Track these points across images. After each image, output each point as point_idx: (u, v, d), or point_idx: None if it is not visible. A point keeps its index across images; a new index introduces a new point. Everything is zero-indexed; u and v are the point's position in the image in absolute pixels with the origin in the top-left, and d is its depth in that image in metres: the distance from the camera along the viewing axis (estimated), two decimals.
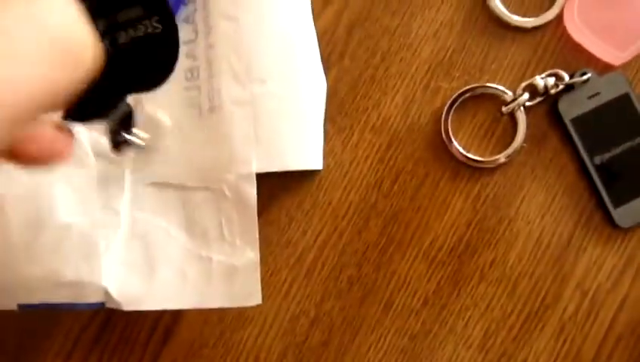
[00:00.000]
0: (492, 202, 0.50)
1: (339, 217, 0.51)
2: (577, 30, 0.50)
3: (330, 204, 0.52)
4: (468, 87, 0.50)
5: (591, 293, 0.50)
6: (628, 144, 0.49)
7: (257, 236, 0.48)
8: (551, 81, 0.50)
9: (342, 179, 0.52)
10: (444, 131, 0.50)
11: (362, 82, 0.52)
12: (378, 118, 0.52)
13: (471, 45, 0.52)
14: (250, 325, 0.51)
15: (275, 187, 0.52)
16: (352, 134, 0.52)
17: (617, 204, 0.49)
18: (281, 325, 0.51)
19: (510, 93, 0.50)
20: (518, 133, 0.50)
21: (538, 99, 0.50)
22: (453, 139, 0.50)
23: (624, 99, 0.50)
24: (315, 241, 0.51)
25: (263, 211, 0.51)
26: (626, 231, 0.50)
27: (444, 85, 0.51)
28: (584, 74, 0.50)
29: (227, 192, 0.48)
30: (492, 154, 0.50)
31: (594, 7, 0.49)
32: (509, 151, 0.50)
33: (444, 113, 0.50)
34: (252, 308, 0.50)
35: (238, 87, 0.48)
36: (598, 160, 0.49)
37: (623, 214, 0.49)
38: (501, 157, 0.50)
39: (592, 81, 0.50)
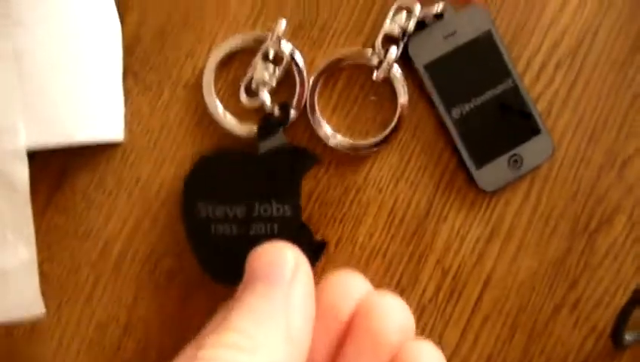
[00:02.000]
0: (335, 169, 0.42)
1: (151, 197, 0.41)
2: None
3: (138, 181, 0.41)
4: (325, 64, 0.41)
5: (453, 270, 0.42)
6: (490, 93, 0.41)
7: (32, 229, 0.37)
8: (403, 18, 0.41)
9: (151, 149, 0.41)
10: (316, 123, 0.41)
11: (172, 25, 0.41)
12: (193, 72, 0.41)
13: None
14: (46, 338, 0.41)
15: (65, 163, 0.41)
16: (162, 93, 0.41)
17: (480, 164, 0.41)
18: (86, 336, 0.41)
19: (378, 54, 0.41)
20: (399, 97, 0.41)
21: (403, 45, 0.41)
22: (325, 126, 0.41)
23: (486, 39, 0.41)
24: (122, 229, 0.41)
25: (53, 195, 0.41)
26: (492, 193, 0.43)
27: (278, 20, 0.41)
28: (438, 7, 0.41)
29: None
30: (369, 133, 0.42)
31: None
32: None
33: (306, 98, 0.41)
34: (48, 315, 0.40)
35: None
36: (456, 113, 0.41)
37: (486, 176, 0.41)
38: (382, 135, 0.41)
39: (447, 16, 0.41)
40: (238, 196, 0.40)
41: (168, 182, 0.41)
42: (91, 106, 0.39)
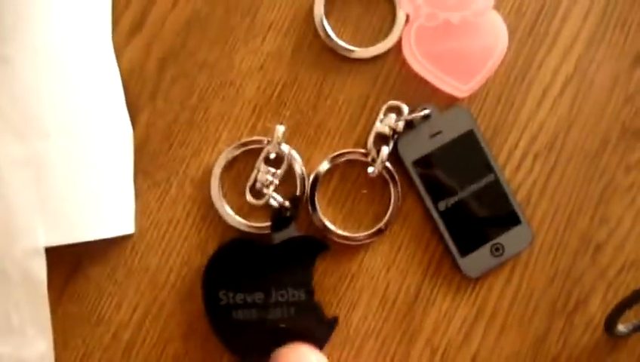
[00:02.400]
0: (332, 257, 0.45)
1: (158, 286, 0.44)
2: (416, 61, 0.45)
3: (147, 271, 0.44)
4: (322, 164, 0.44)
5: (441, 349, 0.45)
6: (474, 187, 0.45)
7: (50, 323, 0.40)
8: (392, 118, 0.44)
9: (160, 241, 0.44)
10: (315, 217, 0.45)
11: (178, 127, 0.45)
12: (199, 169, 0.45)
13: (302, 79, 0.45)
14: None
15: (79, 256, 0.44)
16: (170, 188, 0.45)
17: (464, 252, 0.45)
18: None
19: (370, 152, 0.44)
20: (392, 194, 0.45)
21: (392, 143, 0.45)
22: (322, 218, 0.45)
23: (468, 137, 0.45)
24: (132, 316, 0.44)
25: (67, 285, 0.44)
26: (476, 279, 0.46)
27: (274, 127, 0.44)
28: (424, 109, 0.45)
29: (11, 271, 0.40)
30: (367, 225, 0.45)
31: (433, 36, 0.44)
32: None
33: (307, 194, 0.44)
34: None
35: (15, 144, 0.40)
36: (442, 205, 0.45)
37: (470, 263, 0.45)
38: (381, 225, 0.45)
39: (433, 117, 0.45)
40: (256, 283, 0.43)
41: (175, 273, 0.44)
42: (104, 205, 0.42)
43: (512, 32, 0.46)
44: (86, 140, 0.41)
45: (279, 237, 0.43)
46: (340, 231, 0.44)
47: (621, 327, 0.44)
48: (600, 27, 0.47)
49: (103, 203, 0.42)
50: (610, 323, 0.44)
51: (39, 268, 0.40)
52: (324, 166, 0.44)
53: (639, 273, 0.46)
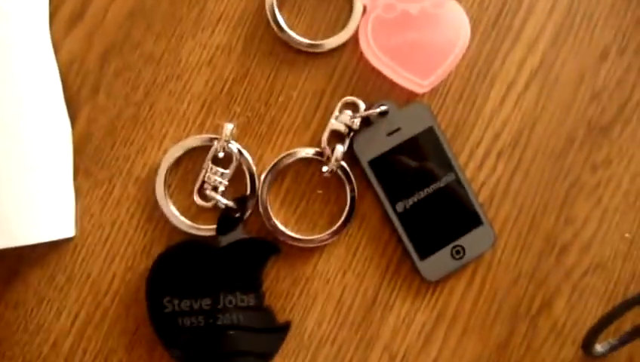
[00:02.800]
0: (285, 261, 0.43)
1: (101, 292, 0.42)
2: (373, 54, 0.42)
3: (89, 276, 0.42)
4: (274, 163, 0.42)
5: (400, 356, 0.44)
6: (433, 187, 0.43)
7: None
8: (348, 115, 0.42)
9: (102, 245, 0.42)
10: (266, 218, 0.42)
11: (122, 123, 0.42)
12: (144, 168, 0.42)
13: (254, 73, 0.43)
14: None
15: (17, 261, 0.41)
16: (113, 189, 0.42)
17: (424, 255, 0.43)
18: None
19: (324, 151, 0.42)
20: (348, 195, 0.43)
21: (348, 141, 0.42)
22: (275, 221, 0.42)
23: (428, 135, 0.43)
24: (72, 324, 0.42)
25: (4, 292, 0.41)
26: (436, 281, 0.44)
27: (224, 124, 0.42)
28: (381, 105, 0.42)
29: None
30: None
31: (391, 28, 0.42)
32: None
33: (258, 194, 0.42)
34: None
35: None
36: (401, 206, 0.43)
37: (430, 266, 0.43)
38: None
39: (391, 114, 0.43)
40: (203, 289, 0.41)
41: (119, 278, 0.42)
42: (42, 208, 0.39)
43: (474, 25, 0.44)
44: (21, 139, 0.39)
45: (226, 239, 0.41)
46: (292, 234, 0.42)
47: (598, 347, 0.43)
48: (566, 21, 0.45)
49: (40, 205, 0.39)
50: (588, 343, 0.42)
51: None
52: (276, 165, 0.42)
53: (605, 275, 0.45)
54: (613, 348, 0.43)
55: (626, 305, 0.40)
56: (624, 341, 0.43)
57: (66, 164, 0.41)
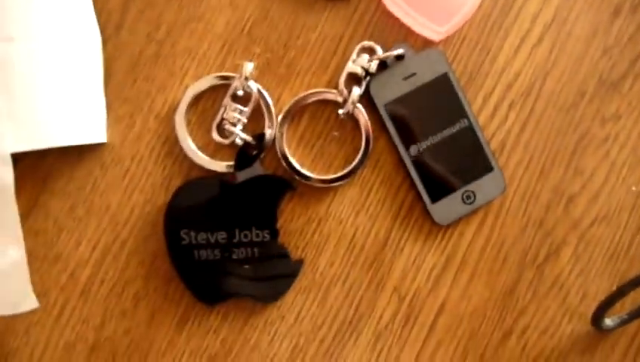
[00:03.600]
0: (299, 200, 0.44)
1: (119, 224, 0.43)
2: (392, 1, 0.43)
3: (108, 208, 0.43)
4: (292, 103, 0.43)
5: (409, 297, 0.45)
6: (446, 132, 0.44)
7: (20, 229, 0.39)
8: (365, 59, 0.43)
9: (122, 178, 0.43)
10: (283, 157, 0.43)
11: (144, 61, 0.43)
12: (164, 105, 0.43)
13: (274, 16, 0.44)
14: (15, 358, 0.42)
15: (38, 190, 0.42)
16: (133, 124, 0.43)
17: (435, 198, 0.44)
18: (53, 356, 0.42)
19: (341, 93, 0.43)
20: (363, 137, 0.43)
21: (365, 85, 0.43)
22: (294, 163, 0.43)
23: (443, 81, 0.44)
24: (91, 254, 0.43)
25: (26, 220, 0.42)
26: (447, 225, 0.45)
27: (244, 63, 0.43)
28: (398, 49, 0.43)
29: None
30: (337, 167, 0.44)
31: None
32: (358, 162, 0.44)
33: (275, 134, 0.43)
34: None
35: None
36: (414, 150, 0.44)
37: (440, 210, 0.44)
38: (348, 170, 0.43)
39: (407, 59, 0.44)
40: (219, 223, 0.42)
41: (138, 210, 0.43)
42: (74, 111, 0.40)
43: None
44: (53, 45, 0.39)
45: (243, 175, 0.42)
46: (308, 173, 0.43)
47: (608, 321, 0.44)
48: None
49: (72, 109, 0.40)
50: (598, 317, 0.43)
51: (6, 174, 0.38)
52: (294, 106, 0.43)
53: (612, 226, 0.46)
54: (623, 322, 0.44)
55: (637, 281, 0.41)
56: (634, 315, 0.43)
57: (97, 72, 0.42)
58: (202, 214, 0.42)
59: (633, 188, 0.46)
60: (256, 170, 0.42)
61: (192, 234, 0.41)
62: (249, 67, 0.42)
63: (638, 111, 0.46)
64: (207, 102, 0.43)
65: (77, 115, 0.41)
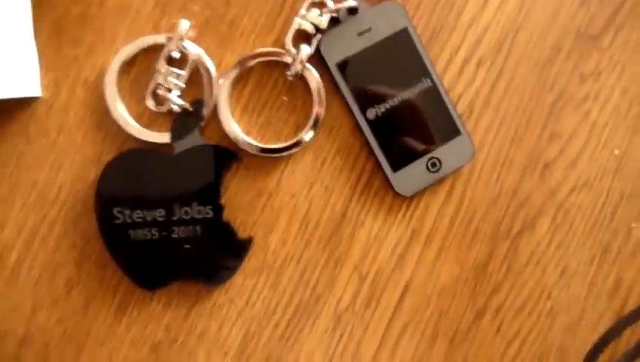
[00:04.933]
0: (247, 172, 0.40)
1: (47, 203, 0.39)
2: None
3: (34, 186, 0.39)
4: (234, 65, 0.39)
5: (371, 276, 0.41)
6: (407, 93, 0.40)
7: None
8: (316, 14, 0.39)
9: (48, 152, 0.39)
10: (226, 125, 0.39)
11: (69, 23, 0.39)
12: (93, 71, 0.39)
13: None
14: None
15: None
16: (59, 93, 0.39)
17: (397, 167, 0.40)
18: None
19: (289, 52, 0.39)
20: (315, 101, 0.39)
21: (316, 42, 0.39)
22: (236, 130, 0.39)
23: (402, 36, 0.40)
24: (17, 236, 0.39)
25: None
26: (411, 196, 0.41)
27: (179, 21, 0.39)
28: (351, 2, 0.39)
29: None
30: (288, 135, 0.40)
31: None
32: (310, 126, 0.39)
33: (215, 99, 0.39)
34: None
35: None
36: (372, 114, 0.40)
37: (403, 180, 0.40)
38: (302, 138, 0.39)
39: (362, 12, 0.39)
40: (156, 199, 0.38)
41: (67, 188, 0.39)
42: (5, 64, 0.36)
43: None
44: None
45: (181, 146, 0.38)
46: (255, 142, 0.39)
47: None
48: None
49: (3, 61, 0.36)
50: None
51: None
52: (238, 68, 0.39)
53: (593, 193, 0.42)
54: None
55: (627, 321, 0.37)
56: (630, 357, 0.40)
57: (27, 21, 0.38)
58: (137, 190, 0.38)
59: (616, 152, 0.42)
60: (196, 139, 0.38)
61: (127, 212, 0.38)
62: (185, 25, 0.38)
63: (620, 66, 0.42)
64: (141, 66, 0.39)
65: (9, 67, 0.37)
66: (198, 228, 0.38)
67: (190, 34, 0.39)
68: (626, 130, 0.42)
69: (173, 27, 0.39)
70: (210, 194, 0.38)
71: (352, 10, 0.39)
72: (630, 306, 0.42)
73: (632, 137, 0.42)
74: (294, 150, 0.39)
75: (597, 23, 0.42)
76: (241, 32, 0.40)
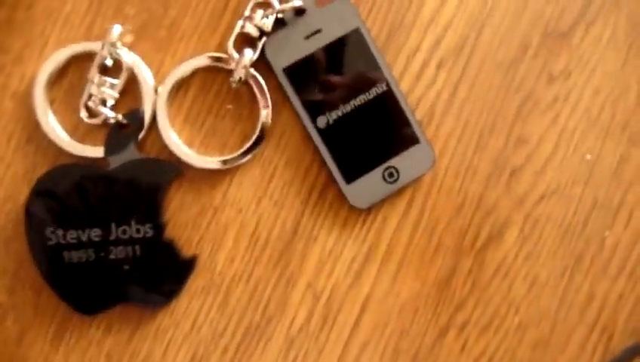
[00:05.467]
0: (189, 187, 0.37)
1: None
2: None
3: None
4: (174, 73, 0.36)
5: (326, 294, 0.38)
6: (361, 99, 0.37)
7: None
8: (260, 15, 0.36)
9: None
10: (166, 136, 0.36)
11: None
12: (22, 80, 0.36)
13: None
14: None
15: None
16: None
17: (351, 178, 0.37)
18: None
19: (232, 57, 0.36)
20: (261, 109, 0.37)
21: (260, 46, 0.36)
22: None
23: (354, 38, 0.37)
24: None
25: None
26: (367, 209, 0.38)
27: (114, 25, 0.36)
28: (296, 2, 0.36)
29: None
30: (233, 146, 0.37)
31: None
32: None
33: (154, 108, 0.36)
34: None
35: None
36: (322, 122, 0.37)
37: (358, 191, 0.37)
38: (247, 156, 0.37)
39: (309, 12, 0.37)
40: (92, 218, 0.35)
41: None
42: None
43: None
44: None
45: (117, 160, 0.35)
46: (197, 155, 0.37)
47: None
48: None
49: None
50: None
51: None
52: (177, 74, 0.36)
53: (563, 201, 0.39)
54: None
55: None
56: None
57: None
58: (71, 208, 0.35)
59: (588, 157, 0.40)
60: (133, 153, 0.35)
61: (60, 232, 0.35)
62: (116, 31, 0.35)
63: (590, 66, 0.40)
64: (75, 75, 0.36)
65: None
66: (137, 247, 0.36)
67: (127, 39, 0.36)
68: (598, 134, 0.40)
69: (107, 32, 0.36)
70: (150, 212, 0.36)
71: (299, 12, 0.36)
72: (604, 320, 0.40)
73: (605, 141, 0.40)
74: (241, 162, 0.37)
75: (567, 19, 0.39)
76: (180, 35, 0.37)
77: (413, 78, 0.38)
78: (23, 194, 0.36)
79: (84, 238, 0.35)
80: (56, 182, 0.35)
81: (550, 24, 0.39)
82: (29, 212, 0.35)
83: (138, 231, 0.35)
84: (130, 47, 0.36)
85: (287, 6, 0.36)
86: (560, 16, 0.39)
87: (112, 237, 0.35)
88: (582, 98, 0.40)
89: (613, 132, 0.40)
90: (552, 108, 0.39)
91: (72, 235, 0.35)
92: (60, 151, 0.36)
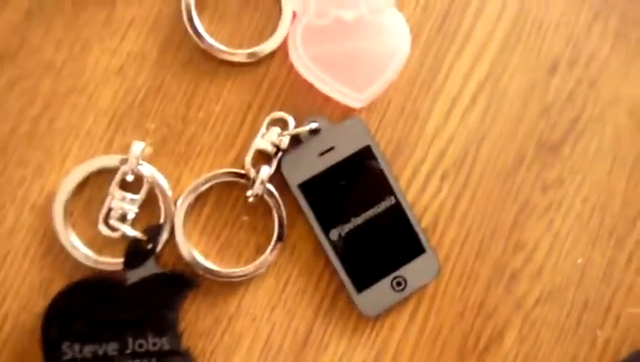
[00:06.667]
0: (205, 297, 0.38)
1: None
2: (304, 66, 0.38)
3: None
4: (192, 187, 0.37)
5: None
6: (371, 212, 0.39)
7: None
8: (276, 133, 0.38)
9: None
10: (183, 250, 0.37)
11: (16, 142, 0.37)
12: (41, 193, 0.37)
13: (170, 85, 0.38)
14: None
15: None
16: (5, 216, 0.37)
17: (361, 288, 0.39)
18: None
19: (249, 172, 0.37)
20: (275, 222, 0.38)
21: (276, 162, 0.38)
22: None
23: (365, 154, 0.39)
24: None
25: None
26: (376, 317, 0.40)
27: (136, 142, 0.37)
28: (312, 122, 0.38)
29: None
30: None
31: (323, 37, 0.38)
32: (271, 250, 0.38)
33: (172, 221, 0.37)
34: None
35: None
36: (335, 234, 0.38)
37: (368, 300, 0.39)
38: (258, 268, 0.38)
39: (323, 131, 0.38)
40: (109, 332, 0.36)
41: (12, 319, 0.36)
42: None
43: (416, 34, 0.41)
44: None
45: (135, 274, 0.36)
46: (213, 266, 0.38)
47: None
48: (514, 30, 0.42)
49: None
50: None
51: None
52: (195, 189, 0.37)
53: (557, 303, 0.42)
54: None
55: None
56: None
57: None
58: (88, 322, 0.35)
59: (579, 261, 0.42)
60: (151, 268, 0.36)
61: (77, 347, 0.35)
62: (138, 148, 0.36)
63: (581, 175, 0.42)
64: (94, 189, 0.37)
65: None
66: (153, 360, 0.36)
67: (146, 152, 0.37)
68: (588, 238, 0.42)
69: (127, 147, 0.37)
70: (166, 324, 0.36)
71: (314, 130, 0.38)
72: None
73: (594, 245, 0.42)
74: (256, 273, 0.38)
75: (558, 131, 0.42)
76: (199, 150, 0.38)
77: (418, 189, 0.41)
78: (39, 306, 0.37)
79: (100, 352, 0.35)
80: (75, 295, 0.36)
81: (543, 136, 0.42)
82: (46, 325, 0.35)
83: (155, 344, 0.36)
84: (150, 161, 0.37)
85: (302, 129, 0.38)
86: (552, 130, 0.42)
87: (128, 351, 0.36)
88: (573, 205, 0.42)
89: (602, 237, 0.42)
90: (547, 215, 0.42)
91: (89, 349, 0.35)
92: (77, 263, 0.37)
